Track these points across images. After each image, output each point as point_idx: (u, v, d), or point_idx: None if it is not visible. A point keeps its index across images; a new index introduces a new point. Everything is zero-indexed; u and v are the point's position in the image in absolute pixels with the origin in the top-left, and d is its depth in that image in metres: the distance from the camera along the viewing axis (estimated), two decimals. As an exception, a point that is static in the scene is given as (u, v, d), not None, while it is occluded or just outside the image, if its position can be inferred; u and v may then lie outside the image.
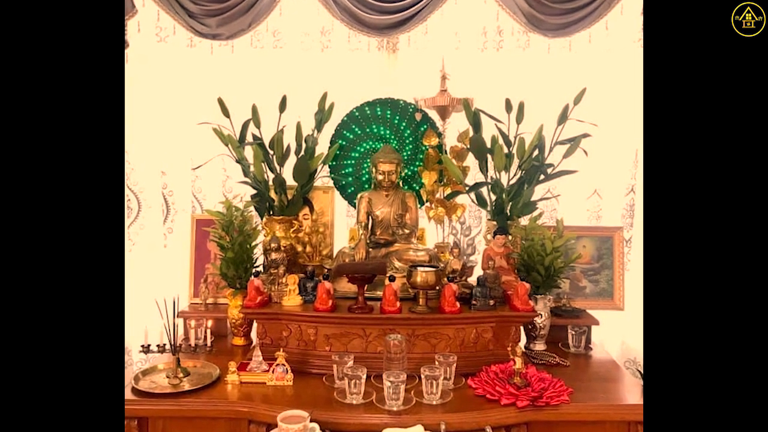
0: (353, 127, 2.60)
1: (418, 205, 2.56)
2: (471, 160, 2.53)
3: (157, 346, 2.03)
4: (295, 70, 2.95)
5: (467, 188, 2.48)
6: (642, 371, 2.59)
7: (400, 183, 2.56)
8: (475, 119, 2.41)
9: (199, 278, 2.65)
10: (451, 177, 2.50)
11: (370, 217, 2.49)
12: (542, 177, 2.43)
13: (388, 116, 2.59)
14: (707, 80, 1.34)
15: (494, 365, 2.04)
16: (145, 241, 3.06)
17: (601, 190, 3.03)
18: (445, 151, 2.55)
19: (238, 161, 2.48)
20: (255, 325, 2.27)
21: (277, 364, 2.00)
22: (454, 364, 1.96)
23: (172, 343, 2.02)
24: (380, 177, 2.46)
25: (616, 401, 1.93)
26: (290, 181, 2.51)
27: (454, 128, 2.57)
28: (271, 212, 2.53)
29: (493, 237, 2.35)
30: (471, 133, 2.44)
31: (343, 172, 2.63)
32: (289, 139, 2.52)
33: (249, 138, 2.51)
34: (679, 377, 1.29)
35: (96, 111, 1.28)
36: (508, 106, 2.39)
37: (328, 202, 2.69)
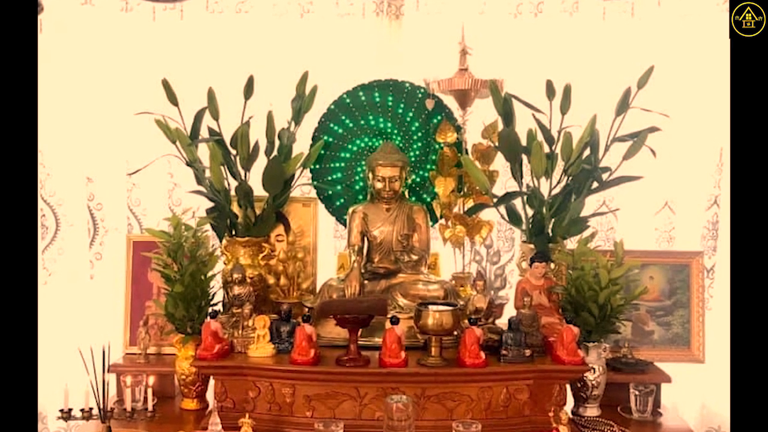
0: (343, 118, 2.64)
1: (430, 223, 2.58)
2: (500, 163, 2.56)
3: (81, 410, 2.05)
4: (265, 43, 2.98)
5: (495, 200, 2.50)
6: (730, 445, 2.59)
7: (406, 193, 2.59)
8: (505, 108, 2.43)
9: (138, 320, 2.66)
10: (474, 185, 2.52)
11: (365, 239, 2.51)
12: (595, 185, 2.46)
13: (390, 104, 2.63)
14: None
15: (531, 437, 2.05)
16: (65, 270, 3.08)
17: (673, 202, 3.06)
18: (466, 150, 2.58)
19: (189, 164, 2.50)
20: (212, 382, 2.28)
21: (242, 436, 2.00)
22: (478, 436, 1.97)
23: (101, 406, 2.03)
24: (379, 185, 2.48)
25: (695, 485, 1.94)
26: (259, 190, 2.53)
27: (477, 120, 2.60)
28: (234, 232, 2.56)
29: (530, 265, 2.37)
30: (500, 127, 2.47)
31: (329, 178, 2.66)
32: (257, 135, 2.54)
33: (204, 133, 2.54)
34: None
35: None
36: (550, 91, 2.43)
37: (309, 218, 2.72)
